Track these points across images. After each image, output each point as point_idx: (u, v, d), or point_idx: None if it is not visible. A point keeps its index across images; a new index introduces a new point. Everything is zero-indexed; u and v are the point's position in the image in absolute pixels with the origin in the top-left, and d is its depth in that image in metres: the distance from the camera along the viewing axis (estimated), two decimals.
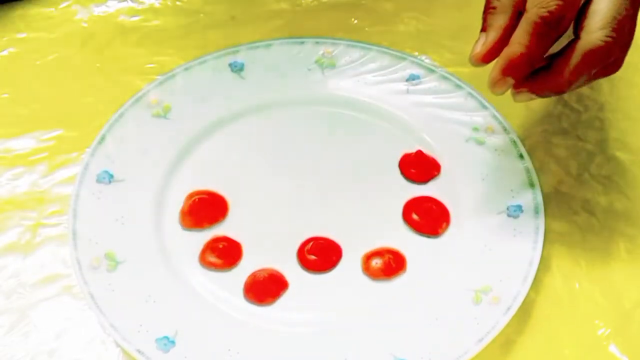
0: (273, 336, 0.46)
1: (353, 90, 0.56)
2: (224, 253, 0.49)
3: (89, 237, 0.48)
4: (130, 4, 0.62)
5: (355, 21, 0.61)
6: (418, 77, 0.56)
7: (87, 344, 0.46)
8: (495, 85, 0.43)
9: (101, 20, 0.61)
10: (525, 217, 0.50)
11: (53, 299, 0.48)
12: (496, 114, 0.54)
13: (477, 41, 0.44)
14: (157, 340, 0.45)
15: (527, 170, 0.52)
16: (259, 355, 0.46)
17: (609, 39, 0.41)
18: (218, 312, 0.47)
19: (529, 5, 0.42)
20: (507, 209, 0.51)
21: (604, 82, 0.59)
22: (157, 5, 0.62)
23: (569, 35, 0.44)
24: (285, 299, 0.48)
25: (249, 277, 0.49)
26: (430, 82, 0.56)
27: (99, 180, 0.51)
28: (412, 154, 0.54)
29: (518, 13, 0.43)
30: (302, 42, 0.57)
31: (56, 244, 0.50)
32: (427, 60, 0.58)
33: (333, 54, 0.57)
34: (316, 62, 0.57)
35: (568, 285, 0.49)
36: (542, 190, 0.51)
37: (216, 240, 0.50)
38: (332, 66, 0.57)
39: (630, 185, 0.54)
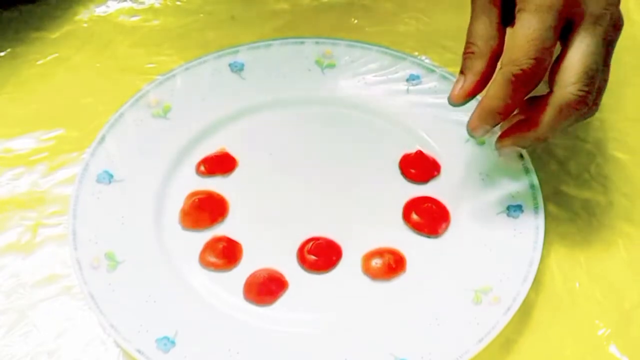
0: (273, 336, 0.46)
1: (353, 90, 0.56)
2: (224, 253, 0.49)
3: (89, 237, 0.48)
4: (130, 4, 0.62)
5: (355, 21, 0.61)
6: (418, 77, 0.56)
7: (87, 344, 0.46)
8: (474, 130, 0.46)
9: (101, 20, 0.61)
10: (525, 217, 0.50)
11: (53, 299, 0.48)
12: None
13: (456, 82, 0.47)
14: (157, 340, 0.45)
15: (527, 171, 0.52)
16: (258, 355, 0.45)
17: (582, 93, 0.43)
18: (218, 312, 0.47)
19: (504, 60, 0.44)
20: (507, 209, 0.51)
21: None
22: (157, 5, 0.62)
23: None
24: (285, 299, 0.48)
25: (249, 277, 0.49)
26: (430, 82, 0.56)
27: (99, 180, 0.51)
28: (412, 154, 0.54)
29: (495, 57, 0.45)
30: (302, 42, 0.57)
31: (56, 244, 0.50)
32: (427, 60, 0.58)
33: (333, 54, 0.57)
34: (316, 62, 0.57)
35: (568, 285, 0.49)
36: (542, 191, 0.51)
37: (216, 240, 0.50)
38: (332, 66, 0.57)
39: (630, 185, 0.54)
